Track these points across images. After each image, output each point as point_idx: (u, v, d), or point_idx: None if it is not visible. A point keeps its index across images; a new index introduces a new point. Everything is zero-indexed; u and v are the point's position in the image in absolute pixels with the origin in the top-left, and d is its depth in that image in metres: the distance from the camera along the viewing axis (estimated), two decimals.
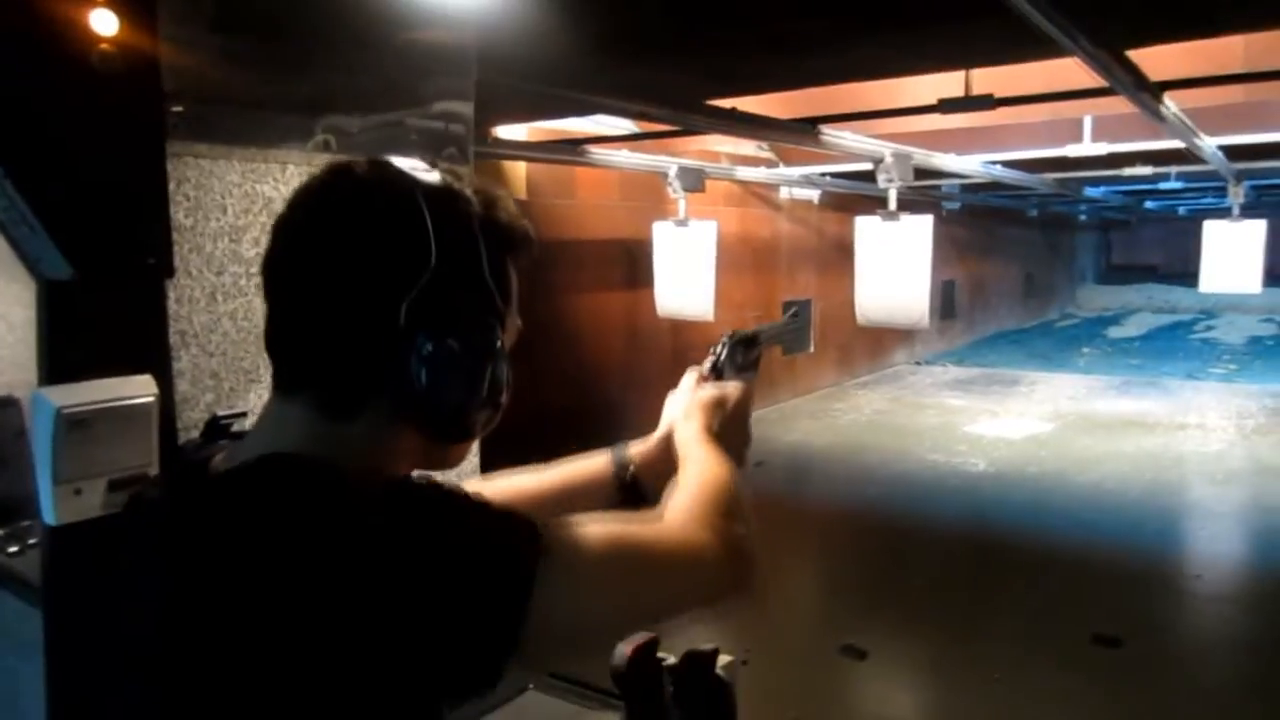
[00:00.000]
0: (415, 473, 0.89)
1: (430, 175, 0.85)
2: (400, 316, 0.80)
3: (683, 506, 0.92)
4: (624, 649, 1.22)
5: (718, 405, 1.14)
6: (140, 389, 1.28)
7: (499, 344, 0.86)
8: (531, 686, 1.53)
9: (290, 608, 0.73)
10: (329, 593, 0.72)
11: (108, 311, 1.29)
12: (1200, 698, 3.72)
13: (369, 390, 0.83)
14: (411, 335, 0.81)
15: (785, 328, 1.31)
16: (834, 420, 9.14)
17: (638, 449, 1.17)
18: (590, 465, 1.16)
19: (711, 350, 1.22)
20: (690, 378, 1.19)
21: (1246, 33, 3.72)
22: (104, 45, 1.19)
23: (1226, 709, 3.62)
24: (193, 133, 1.48)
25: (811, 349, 10.15)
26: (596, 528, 0.83)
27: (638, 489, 1.15)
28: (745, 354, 1.23)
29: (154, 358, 1.33)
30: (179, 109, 1.40)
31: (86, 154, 1.22)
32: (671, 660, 1.22)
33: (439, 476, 0.87)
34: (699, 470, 1.00)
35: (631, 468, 1.15)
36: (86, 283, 1.24)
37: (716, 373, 1.20)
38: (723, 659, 1.26)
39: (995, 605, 4.56)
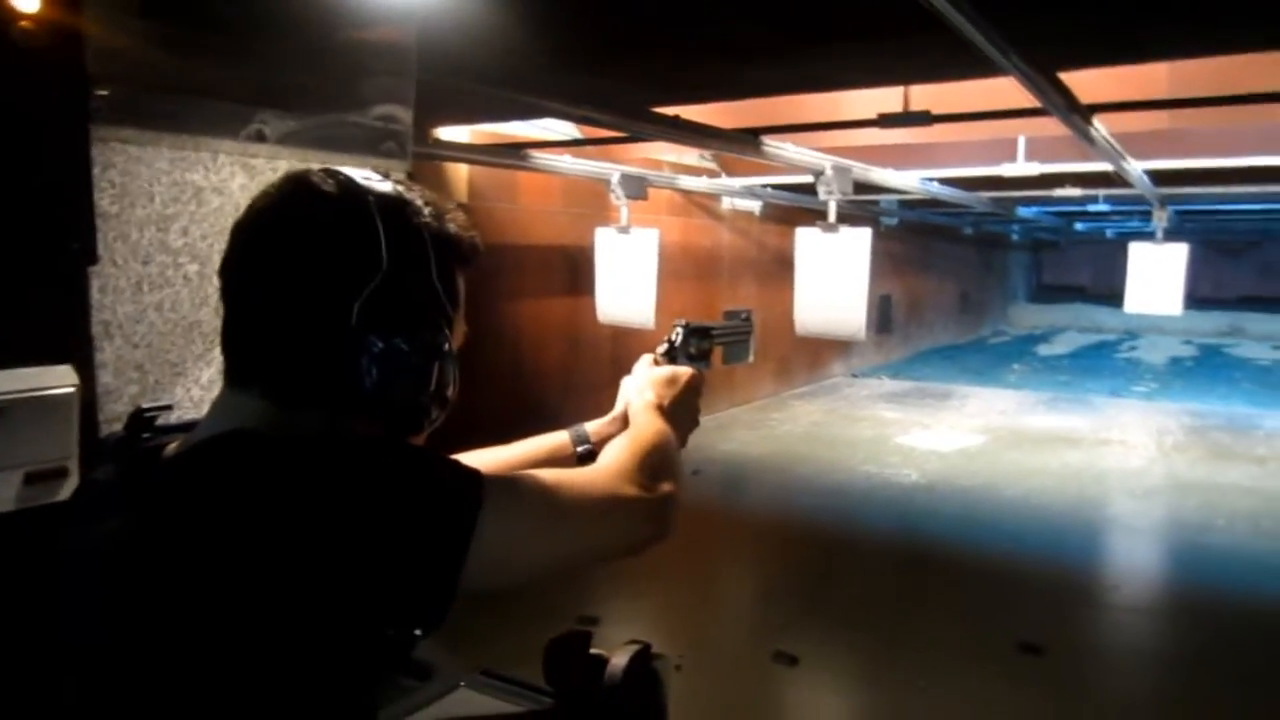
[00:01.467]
0: None
1: (384, 185, 0.91)
2: (352, 317, 0.86)
3: (615, 459, 1.01)
4: (556, 645, 1.22)
5: (669, 383, 1.24)
6: (60, 379, 1.24)
7: (446, 345, 0.93)
8: (463, 684, 1.50)
9: (254, 555, 0.76)
10: (289, 538, 0.76)
11: (26, 298, 1.25)
12: (1117, 705, 3.82)
13: (319, 386, 0.87)
14: (362, 335, 0.86)
15: (738, 329, 1.41)
16: (771, 430, 9.22)
17: (595, 426, 1.28)
18: (550, 442, 1.27)
19: (667, 336, 1.31)
20: (645, 359, 1.29)
21: (1171, 60, 3.85)
22: (25, 22, 1.15)
23: (1140, 716, 3.73)
24: (120, 117, 1.43)
25: (751, 359, 10.20)
26: (531, 475, 0.91)
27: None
28: (698, 344, 1.31)
29: (75, 348, 1.28)
30: (105, 92, 1.36)
31: (3, 133, 1.18)
32: (605, 655, 1.22)
33: None
34: (637, 431, 1.10)
35: (590, 444, 1.25)
36: (3, 268, 1.19)
37: (670, 357, 1.29)
38: (656, 655, 1.26)
39: (924, 613, 4.63)
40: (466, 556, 0.80)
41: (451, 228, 0.94)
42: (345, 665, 0.81)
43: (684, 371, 1.27)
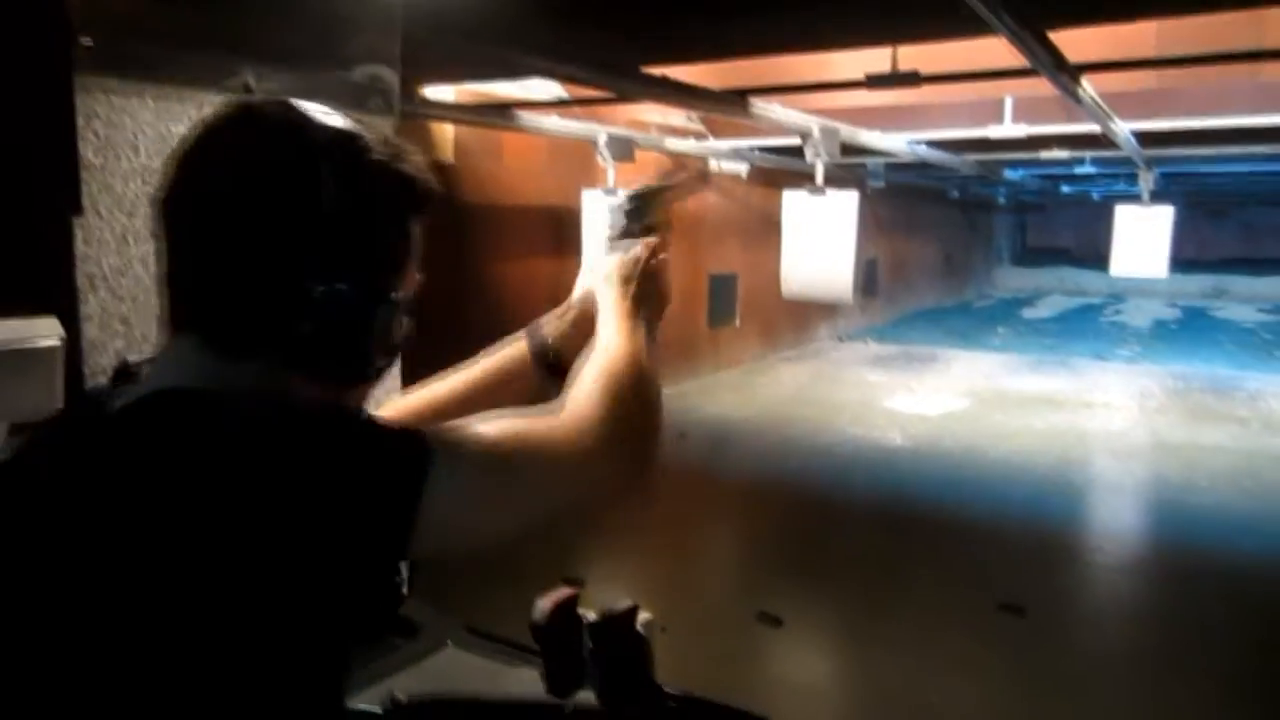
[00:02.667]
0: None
1: (335, 120, 0.86)
2: (292, 259, 0.82)
3: (581, 401, 0.93)
4: (543, 604, 1.22)
5: (632, 263, 1.13)
6: (45, 331, 1.22)
7: (394, 291, 0.88)
8: (450, 642, 1.52)
9: (186, 530, 0.74)
10: (225, 514, 0.73)
11: (10, 249, 1.23)
12: (1097, 664, 3.88)
13: (260, 331, 0.83)
14: (303, 278, 0.82)
15: (687, 182, 1.27)
16: (757, 393, 9.25)
17: (554, 328, 1.19)
18: (508, 358, 1.18)
19: (613, 213, 1.20)
20: (599, 246, 1.19)
21: (1160, 18, 3.83)
22: None
23: (1120, 675, 3.79)
24: (104, 66, 1.40)
25: (738, 323, 10.24)
26: (486, 427, 0.86)
27: (561, 369, 1.13)
28: (648, 209, 1.18)
29: (60, 300, 1.27)
30: (89, 41, 1.34)
31: None
32: (591, 616, 1.23)
33: None
34: (605, 357, 1.00)
35: (551, 353, 1.17)
36: None
37: (626, 234, 1.17)
38: (641, 616, 1.27)
39: (908, 575, 4.68)
40: (413, 529, 0.77)
41: (406, 169, 0.88)
42: (296, 645, 0.78)
43: (643, 248, 1.15)
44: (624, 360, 1.00)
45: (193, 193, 0.84)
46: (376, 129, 0.88)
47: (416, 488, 0.77)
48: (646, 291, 1.12)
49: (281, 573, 0.75)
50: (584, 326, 1.14)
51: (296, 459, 0.76)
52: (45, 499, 0.80)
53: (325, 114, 0.86)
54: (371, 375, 0.91)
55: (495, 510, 0.85)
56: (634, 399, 0.96)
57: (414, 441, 0.80)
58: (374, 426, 0.82)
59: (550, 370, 1.16)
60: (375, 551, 0.78)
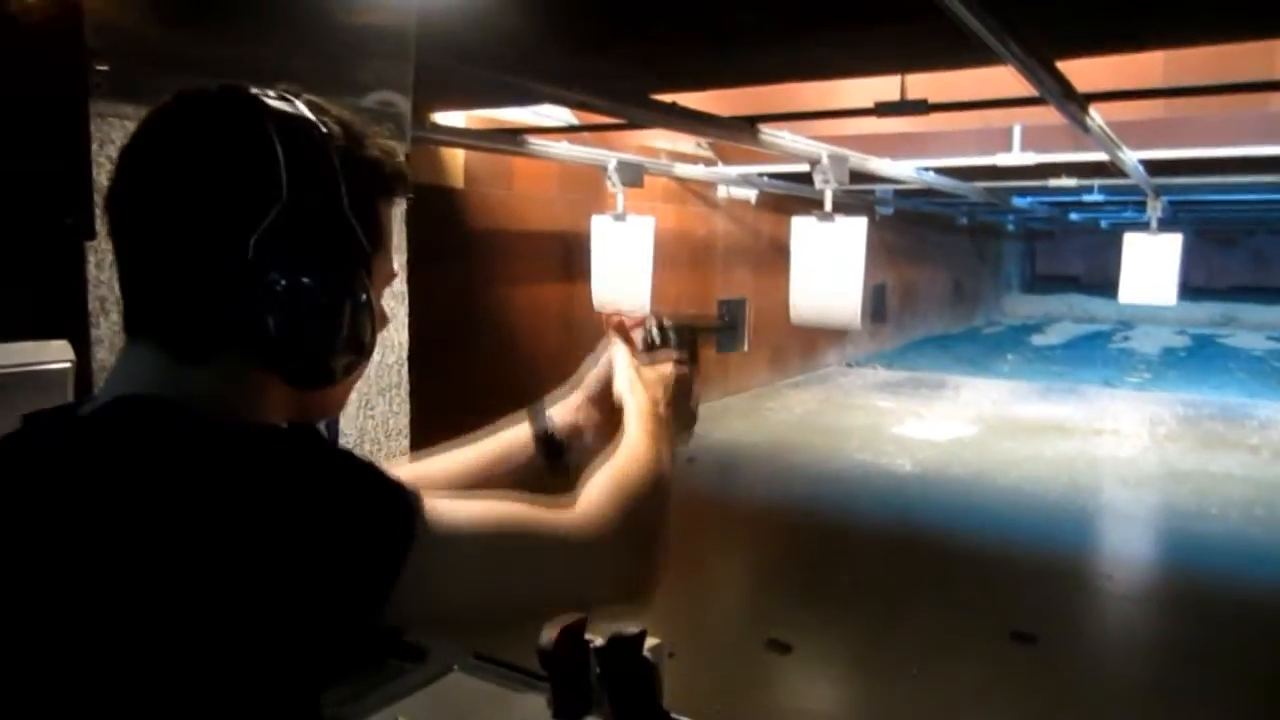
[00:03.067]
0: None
1: (288, 103, 0.80)
2: (249, 252, 0.75)
3: (594, 499, 0.87)
4: (550, 630, 1.22)
5: (662, 381, 1.10)
6: (56, 354, 1.23)
7: (360, 285, 0.81)
8: (456, 668, 1.51)
9: (131, 569, 0.68)
10: (178, 552, 0.67)
11: (22, 272, 1.24)
12: (1109, 693, 3.84)
13: (218, 330, 0.78)
14: (261, 272, 0.76)
15: (718, 324, 1.31)
16: (765, 419, 9.23)
17: (559, 414, 1.14)
18: (512, 438, 1.13)
19: (645, 332, 1.18)
20: (621, 349, 1.13)
21: (1166, 49, 3.85)
22: None
23: (1132, 704, 3.75)
24: (119, 93, 1.42)
25: (746, 348, 10.24)
26: (484, 506, 0.80)
27: (562, 453, 1.13)
28: (682, 339, 1.19)
29: (71, 323, 1.28)
30: (104, 68, 1.35)
31: (2, 107, 1.17)
32: (598, 641, 1.22)
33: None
34: (627, 457, 0.95)
35: (554, 438, 1.13)
36: (1, 242, 1.19)
37: (650, 351, 1.16)
38: (649, 642, 1.26)
39: (917, 602, 4.65)
40: (388, 597, 0.71)
41: (370, 152, 0.83)
42: (254, 689, 0.72)
43: (674, 370, 1.13)
44: (646, 466, 0.94)
45: (140, 186, 0.78)
46: (336, 111, 0.83)
47: (401, 549, 0.72)
48: (679, 409, 1.10)
49: (235, 612, 0.68)
50: (588, 413, 1.12)
51: (267, 491, 0.70)
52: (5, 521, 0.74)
53: (280, 97, 0.80)
54: (339, 375, 0.83)
55: (482, 590, 0.79)
56: (648, 509, 0.90)
57: (405, 499, 0.74)
58: (365, 475, 0.75)
59: (551, 455, 1.12)
60: (344, 609, 0.71)
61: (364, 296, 0.81)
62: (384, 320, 0.89)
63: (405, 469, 1.10)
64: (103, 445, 0.73)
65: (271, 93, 0.80)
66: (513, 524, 0.80)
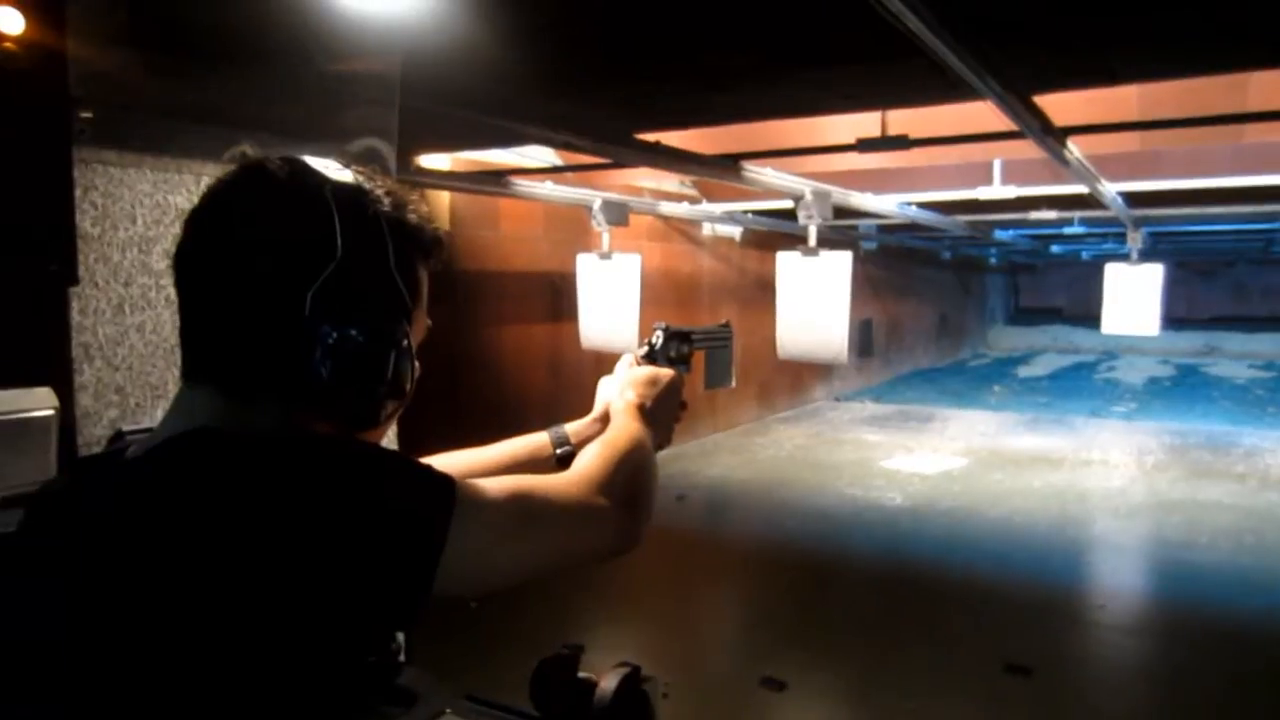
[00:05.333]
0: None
1: (342, 173, 0.89)
2: (305, 307, 0.84)
3: (587, 466, 1.00)
4: (543, 668, 1.20)
5: (650, 383, 1.23)
6: (39, 401, 1.22)
7: (403, 337, 0.91)
8: (449, 711, 1.48)
9: (219, 562, 0.75)
10: (256, 544, 0.75)
11: (5, 319, 1.23)
12: None
13: (274, 378, 0.86)
14: (316, 325, 0.84)
15: (717, 334, 1.41)
16: (754, 455, 9.22)
17: (574, 428, 1.28)
18: (529, 444, 1.27)
19: (647, 339, 1.31)
20: (626, 359, 1.29)
21: (1143, 82, 3.91)
22: (8, 44, 1.15)
23: None
24: (103, 139, 1.42)
25: (733, 384, 10.21)
26: (502, 481, 0.91)
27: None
28: (678, 348, 1.32)
29: (55, 369, 1.27)
30: (88, 114, 1.36)
31: None
32: (593, 678, 1.21)
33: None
34: (613, 436, 1.09)
35: (569, 446, 1.26)
36: None
37: (650, 359, 1.30)
38: (645, 677, 1.25)
39: (912, 636, 4.62)
40: (439, 564, 0.80)
41: (412, 218, 0.92)
42: (321, 683, 0.79)
43: (665, 372, 1.27)
44: (630, 441, 1.07)
45: (207, 246, 0.87)
46: (383, 181, 0.91)
47: (442, 526, 0.81)
48: (660, 411, 1.22)
49: (304, 607, 0.76)
50: (601, 431, 1.22)
51: (326, 490, 0.78)
52: (79, 551, 0.80)
53: (334, 168, 0.89)
54: (382, 419, 0.92)
55: (515, 550, 0.88)
56: (632, 461, 1.04)
57: (440, 480, 0.84)
58: (402, 461, 0.85)
59: (563, 465, 1.23)
60: (400, 583, 0.80)
61: (406, 346, 0.91)
62: (418, 370, 0.98)
63: (433, 459, 1.19)
64: (181, 464, 0.80)
65: (326, 162, 0.90)
66: (530, 490, 0.92)
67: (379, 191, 0.90)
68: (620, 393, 1.21)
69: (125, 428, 0.87)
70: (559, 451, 1.26)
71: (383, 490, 0.81)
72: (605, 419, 1.23)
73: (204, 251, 0.87)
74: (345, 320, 0.85)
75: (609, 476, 0.99)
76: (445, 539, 0.81)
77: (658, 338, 1.30)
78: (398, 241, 0.90)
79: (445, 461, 1.18)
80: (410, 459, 0.87)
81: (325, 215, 0.85)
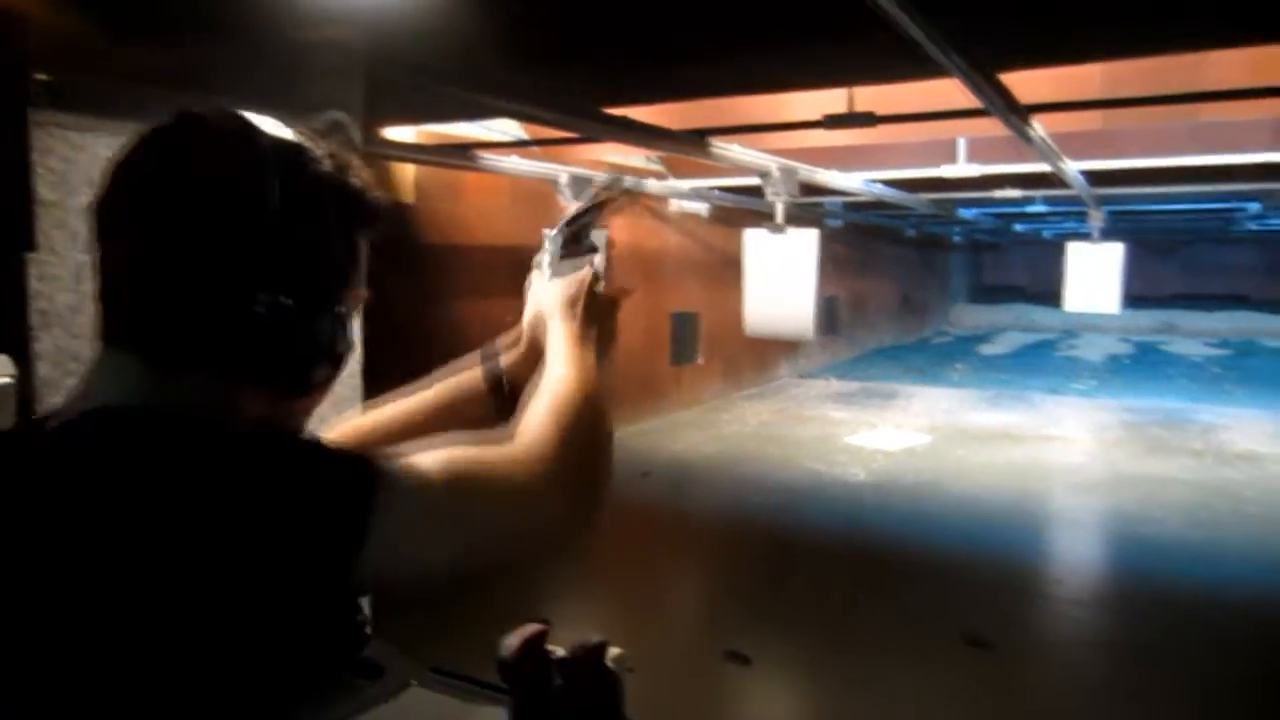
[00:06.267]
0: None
1: (282, 131, 0.83)
2: (235, 268, 0.79)
3: (532, 432, 0.90)
4: (511, 641, 1.20)
5: (577, 285, 1.09)
6: None
7: (339, 305, 0.86)
8: (414, 683, 1.48)
9: (125, 560, 0.71)
10: (163, 542, 0.71)
11: None
12: (1062, 695, 3.91)
13: (202, 343, 0.80)
14: (246, 289, 0.79)
15: (606, 190, 1.21)
16: (720, 431, 9.27)
17: (508, 356, 1.16)
18: (463, 382, 1.16)
19: (542, 247, 1.15)
20: (532, 280, 1.14)
21: (1107, 60, 3.95)
22: None
23: (1085, 704, 3.81)
24: (61, 103, 1.39)
25: (700, 360, 10.27)
26: (436, 456, 0.82)
27: (513, 395, 1.10)
28: (577, 239, 1.14)
29: (12, 337, 1.24)
30: (45, 77, 1.32)
31: None
32: (560, 652, 1.21)
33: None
34: (554, 386, 0.97)
35: (505, 381, 1.14)
36: None
37: (566, 258, 1.13)
38: (612, 651, 1.25)
39: (874, 610, 4.69)
40: (359, 555, 0.74)
41: (354, 183, 0.86)
42: (253, 682, 0.74)
43: (584, 276, 1.11)
44: (573, 389, 0.97)
45: (132, 200, 0.80)
46: (325, 143, 0.86)
47: (363, 513, 0.74)
48: (595, 315, 1.09)
49: (218, 603, 0.71)
50: (536, 354, 1.11)
51: (238, 484, 0.73)
52: None
53: (272, 125, 0.83)
54: (315, 387, 0.88)
55: (446, 538, 0.81)
56: (584, 430, 0.93)
57: (360, 466, 0.78)
58: (320, 449, 0.79)
59: (502, 397, 1.13)
60: (321, 579, 0.75)
61: (341, 313, 0.86)
62: (351, 343, 0.92)
63: (360, 419, 1.14)
64: (84, 454, 0.75)
65: (265, 119, 0.83)
66: (467, 468, 0.83)
67: (320, 152, 0.84)
68: (549, 314, 1.08)
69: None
70: (496, 388, 1.15)
71: (297, 478, 0.75)
72: (537, 343, 1.11)
73: (130, 205, 0.80)
74: (277, 285, 0.80)
75: (559, 447, 0.89)
76: (366, 529, 0.74)
77: (554, 240, 1.12)
78: (337, 206, 0.85)
79: (370, 417, 1.13)
80: (327, 444, 0.81)
81: (259, 171, 0.79)
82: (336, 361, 0.88)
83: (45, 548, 0.72)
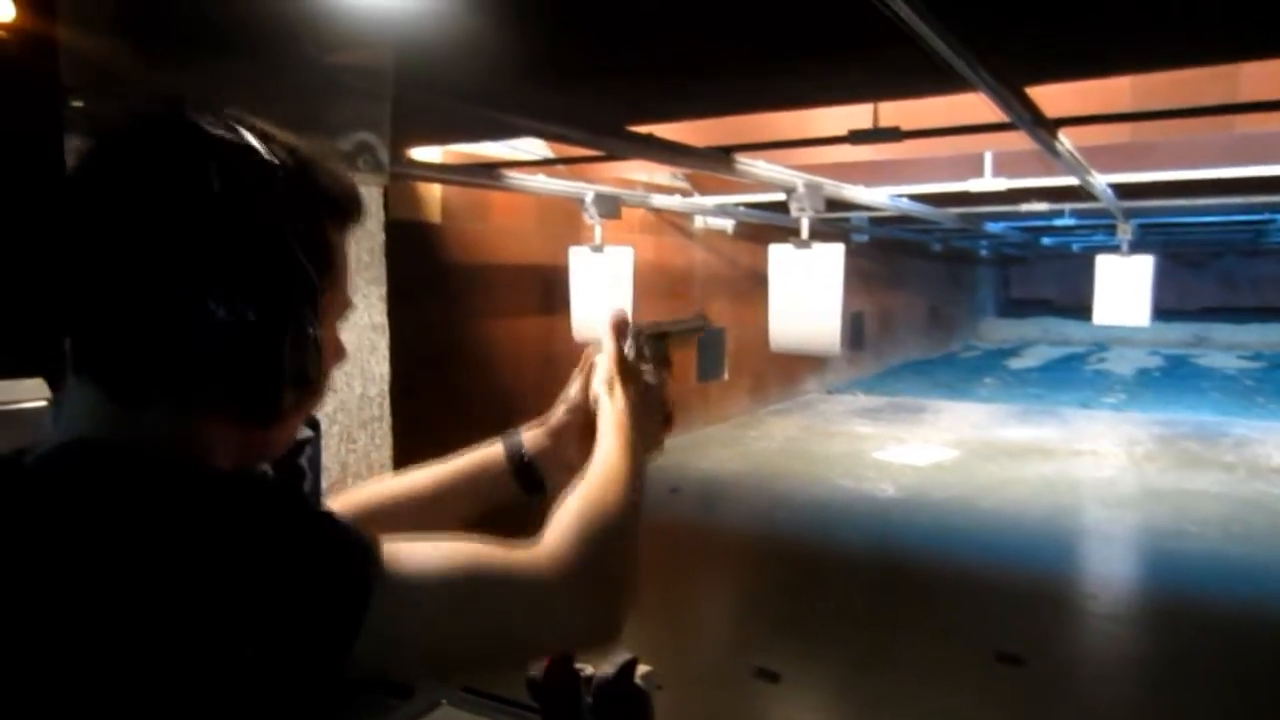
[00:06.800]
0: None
1: (225, 130, 0.76)
2: (185, 283, 0.71)
3: (560, 535, 0.82)
4: (540, 659, 1.20)
5: (635, 384, 1.06)
6: (32, 392, 1.21)
7: (303, 314, 0.76)
8: (445, 702, 1.49)
9: (78, 631, 0.65)
10: (123, 614, 0.64)
11: None
12: (1097, 713, 3.84)
13: (155, 368, 0.73)
14: (199, 304, 0.71)
15: (691, 324, 1.27)
16: (747, 447, 9.23)
17: (531, 434, 1.11)
18: (484, 457, 1.10)
19: (630, 339, 1.14)
20: (604, 353, 1.10)
21: (1135, 73, 3.92)
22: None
23: None
24: (94, 127, 1.42)
25: (726, 376, 10.25)
26: (445, 549, 0.76)
27: (534, 475, 1.10)
28: (655, 348, 1.16)
29: (48, 361, 1.26)
30: (79, 103, 1.35)
31: None
32: (589, 670, 1.21)
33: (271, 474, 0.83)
34: (598, 480, 0.90)
35: (526, 455, 1.09)
36: None
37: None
38: (641, 669, 1.25)
39: (904, 626, 4.64)
40: (352, 644, 0.68)
41: (321, 179, 0.79)
42: None
43: (649, 375, 1.10)
44: (618, 491, 0.90)
45: (79, 215, 0.74)
46: (285, 138, 0.79)
47: (358, 607, 0.68)
48: (648, 413, 1.05)
49: (184, 691, 0.65)
50: (565, 435, 1.09)
51: (216, 546, 0.66)
52: None
53: (222, 124, 0.76)
54: (285, 411, 0.78)
55: (452, 636, 0.75)
56: (618, 543, 0.86)
57: (363, 546, 0.71)
58: (314, 521, 0.72)
59: (523, 477, 1.10)
60: (305, 662, 0.68)
61: (309, 328, 0.77)
62: (341, 353, 0.86)
63: (366, 489, 1.09)
64: (47, 501, 0.70)
65: (212, 119, 0.76)
66: (475, 567, 0.76)
67: (275, 149, 0.77)
68: (609, 389, 1.03)
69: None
70: (514, 464, 1.09)
71: (284, 558, 0.68)
72: (569, 426, 1.09)
73: (76, 222, 0.74)
74: (234, 297, 0.72)
75: (585, 555, 0.81)
76: (360, 623, 0.68)
77: (633, 337, 1.12)
78: (301, 205, 0.76)
79: (391, 485, 1.08)
80: (329, 524, 0.73)
81: (207, 176, 0.72)
82: (306, 380, 0.78)
83: (8, 588, 0.67)
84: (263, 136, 0.77)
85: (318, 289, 0.78)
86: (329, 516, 0.74)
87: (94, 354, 0.75)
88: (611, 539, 0.85)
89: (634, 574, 0.87)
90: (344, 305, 0.85)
